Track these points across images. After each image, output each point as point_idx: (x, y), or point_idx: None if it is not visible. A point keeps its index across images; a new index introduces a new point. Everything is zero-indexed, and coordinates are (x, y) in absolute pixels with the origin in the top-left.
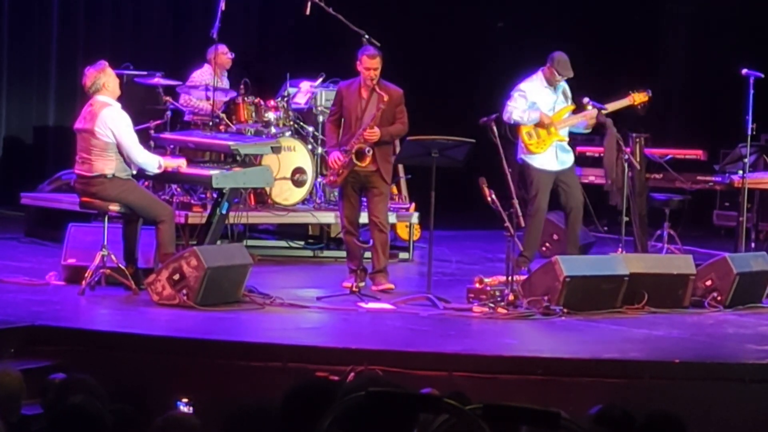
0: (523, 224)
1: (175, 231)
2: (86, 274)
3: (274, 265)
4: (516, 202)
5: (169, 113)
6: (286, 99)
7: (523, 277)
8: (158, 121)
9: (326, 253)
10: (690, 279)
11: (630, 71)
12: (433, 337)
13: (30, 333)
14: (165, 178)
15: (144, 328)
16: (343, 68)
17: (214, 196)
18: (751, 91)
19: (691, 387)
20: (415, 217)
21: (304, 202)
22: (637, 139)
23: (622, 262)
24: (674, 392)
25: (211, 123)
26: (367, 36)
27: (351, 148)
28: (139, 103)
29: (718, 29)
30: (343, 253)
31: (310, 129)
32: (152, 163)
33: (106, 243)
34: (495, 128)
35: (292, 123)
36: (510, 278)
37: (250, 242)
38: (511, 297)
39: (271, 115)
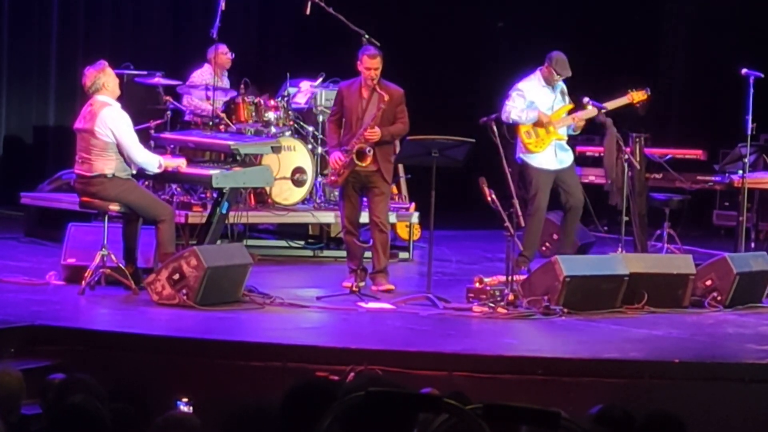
0: (522, 224)
1: (175, 231)
2: (86, 274)
3: (274, 265)
4: (516, 201)
5: (169, 113)
6: (286, 99)
7: (522, 277)
8: (158, 121)
9: (326, 252)
10: (690, 279)
11: (630, 71)
12: (433, 337)
13: (30, 333)
14: (165, 177)
15: (144, 327)
16: (343, 68)
17: (214, 195)
18: (751, 91)
19: (691, 387)
20: (415, 217)
21: (304, 201)
22: (637, 139)
23: (622, 262)
24: (674, 392)
25: (211, 123)
26: (367, 36)
27: (352, 148)
28: (139, 103)
29: (718, 29)
30: (343, 253)
31: (310, 129)
32: (152, 162)
33: (106, 243)
34: (495, 128)
35: (292, 123)
36: (510, 278)
37: (250, 242)
38: (511, 297)
39: (271, 115)
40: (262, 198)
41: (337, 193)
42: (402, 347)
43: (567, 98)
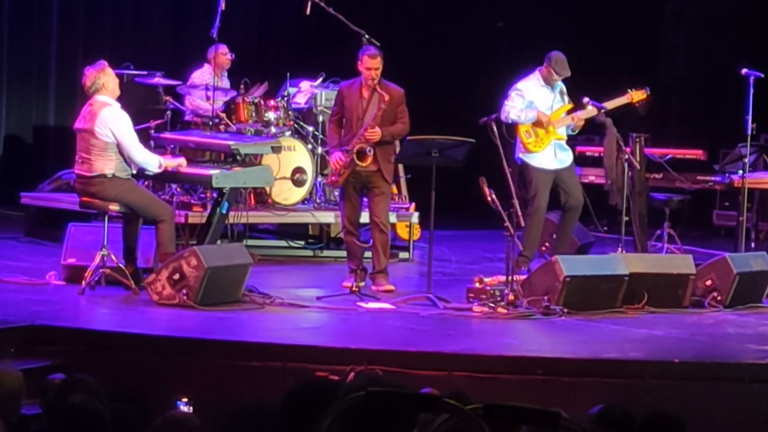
0: (522, 224)
1: (175, 231)
2: (86, 274)
3: (274, 265)
4: (516, 201)
5: (169, 113)
6: (286, 99)
7: (522, 277)
8: (158, 121)
9: (326, 252)
10: (690, 279)
11: (630, 71)
12: (433, 337)
13: (30, 333)
14: (165, 177)
15: (144, 327)
16: (343, 68)
17: (214, 195)
18: (751, 91)
19: (691, 387)
20: (415, 217)
21: (304, 201)
22: (637, 139)
23: (622, 262)
24: (674, 392)
25: (211, 123)
26: (367, 36)
27: (352, 148)
28: (139, 103)
29: (718, 29)
30: (343, 253)
31: (310, 129)
32: (152, 162)
33: (106, 243)
34: (495, 128)
35: (292, 123)
36: (510, 278)
37: (250, 242)
38: (511, 297)
39: (271, 115)
40: (262, 198)
41: (336, 193)
42: (402, 347)
43: (566, 98)
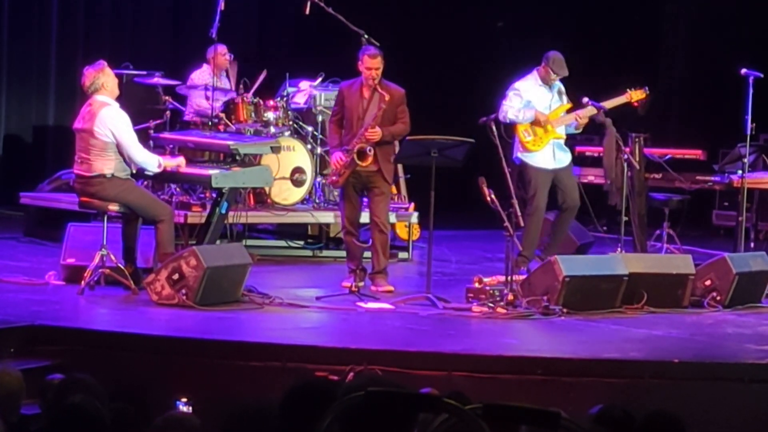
0: (522, 224)
1: (174, 231)
2: (85, 274)
3: (273, 265)
4: (515, 201)
5: (168, 113)
6: (285, 99)
7: (522, 277)
8: (158, 121)
9: (325, 252)
10: (689, 279)
11: (630, 71)
12: (432, 337)
13: (30, 333)
14: (164, 177)
15: (143, 327)
16: (343, 68)
17: (214, 195)
18: (751, 91)
19: (690, 387)
20: (414, 217)
21: (303, 201)
22: (637, 139)
23: (622, 262)
24: (674, 392)
25: (210, 123)
26: (366, 36)
27: (353, 147)
28: (139, 103)
29: (718, 29)
30: (343, 253)
31: (310, 129)
32: (152, 162)
33: (105, 243)
34: (494, 128)
35: (291, 123)
36: (509, 278)
37: (250, 242)
38: (510, 297)
39: (270, 115)
40: (261, 198)
41: (336, 193)
42: (402, 347)
43: (565, 98)
